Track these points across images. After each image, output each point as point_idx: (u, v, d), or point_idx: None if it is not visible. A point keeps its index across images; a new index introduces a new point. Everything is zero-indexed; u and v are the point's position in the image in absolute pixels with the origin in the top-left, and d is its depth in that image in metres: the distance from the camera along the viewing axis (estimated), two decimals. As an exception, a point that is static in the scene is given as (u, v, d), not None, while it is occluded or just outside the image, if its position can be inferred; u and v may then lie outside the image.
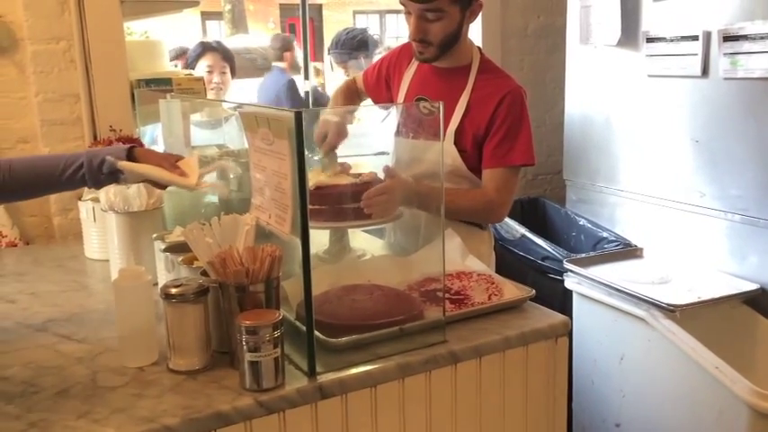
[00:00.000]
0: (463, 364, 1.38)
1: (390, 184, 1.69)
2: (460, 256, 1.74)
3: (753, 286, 2.18)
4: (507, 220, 2.70)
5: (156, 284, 1.54)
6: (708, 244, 2.34)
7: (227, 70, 3.06)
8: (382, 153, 2.04)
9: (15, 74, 2.28)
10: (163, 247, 1.61)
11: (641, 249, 2.55)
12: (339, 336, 1.33)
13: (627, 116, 2.61)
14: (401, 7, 1.83)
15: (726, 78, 2.19)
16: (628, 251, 2.54)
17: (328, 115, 1.85)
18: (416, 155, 1.74)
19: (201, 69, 3.00)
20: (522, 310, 1.55)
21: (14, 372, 1.32)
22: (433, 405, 1.36)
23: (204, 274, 1.33)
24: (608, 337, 2.33)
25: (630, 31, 2.51)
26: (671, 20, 2.37)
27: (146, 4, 2.85)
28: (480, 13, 1.88)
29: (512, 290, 1.59)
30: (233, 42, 7.71)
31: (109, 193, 1.78)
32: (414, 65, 2.00)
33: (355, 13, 16.43)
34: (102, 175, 1.47)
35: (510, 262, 2.60)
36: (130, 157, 1.49)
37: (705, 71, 2.26)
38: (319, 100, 4.42)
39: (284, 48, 4.45)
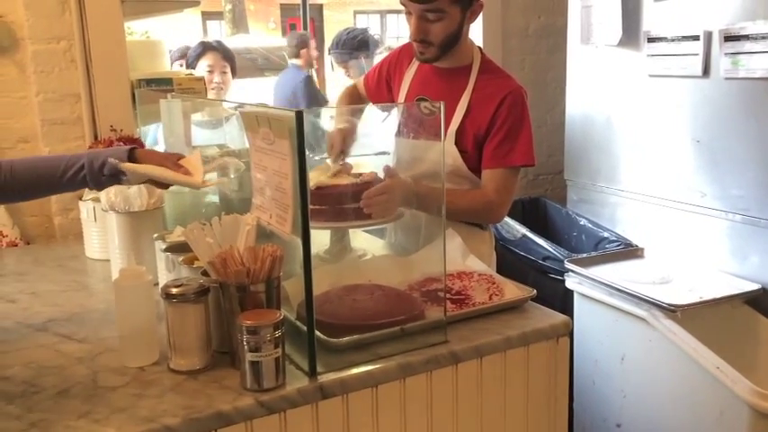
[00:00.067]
0: (464, 364, 1.38)
1: (390, 184, 1.68)
2: (461, 256, 1.74)
3: (754, 286, 2.18)
4: (508, 219, 2.70)
5: (157, 284, 1.53)
6: (709, 244, 2.34)
7: (228, 70, 3.06)
8: (383, 153, 2.04)
9: (16, 73, 2.28)
10: (163, 246, 1.61)
11: (642, 249, 2.55)
12: (340, 336, 1.33)
13: (628, 116, 2.61)
14: (402, 7, 1.83)
15: (727, 78, 2.19)
16: (629, 251, 2.54)
17: (337, 124, 1.85)
18: (417, 155, 1.74)
19: (202, 69, 2.99)
20: (523, 310, 1.55)
21: (15, 372, 1.32)
22: (434, 405, 1.36)
23: (205, 273, 1.32)
24: (609, 338, 2.33)
25: (631, 31, 2.51)
26: (672, 20, 2.37)
27: (146, 4, 2.85)
28: (481, 14, 1.88)
29: (513, 290, 1.59)
30: (233, 42, 7.71)
31: (109, 192, 1.78)
32: (414, 65, 2.00)
33: (356, 12, 16.44)
34: (103, 176, 1.47)
35: (511, 262, 2.60)
36: (132, 158, 1.49)
37: (706, 71, 2.26)
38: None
39: (301, 45, 4.46)
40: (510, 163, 1.86)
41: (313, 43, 4.60)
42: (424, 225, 1.74)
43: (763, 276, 2.18)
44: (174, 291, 1.27)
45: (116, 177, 1.48)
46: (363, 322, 1.37)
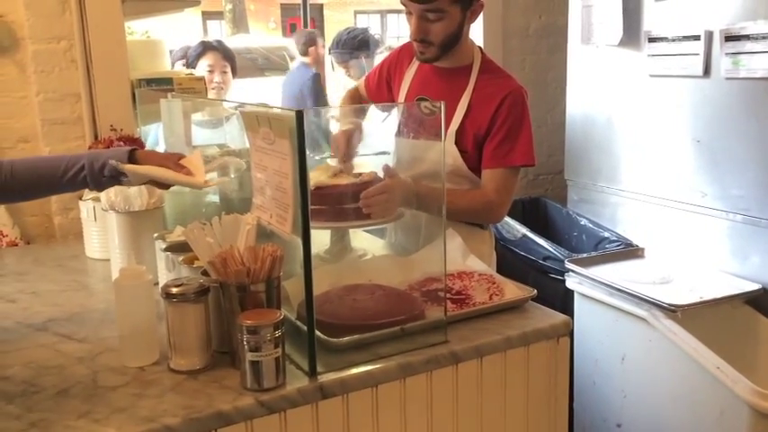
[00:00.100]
0: (464, 364, 1.38)
1: (389, 183, 1.68)
2: (461, 256, 1.74)
3: (754, 286, 2.18)
4: (508, 219, 2.70)
5: (157, 284, 1.53)
6: (709, 244, 2.34)
7: (228, 70, 3.05)
8: (383, 153, 2.04)
9: (16, 73, 2.28)
10: (163, 246, 1.61)
11: (642, 249, 2.55)
12: (340, 335, 1.33)
13: (628, 116, 2.61)
14: (402, 7, 1.82)
15: (727, 78, 2.19)
16: (629, 251, 2.54)
17: (342, 126, 1.85)
18: (417, 155, 1.74)
19: (202, 69, 2.99)
20: (523, 310, 1.55)
21: (15, 371, 1.32)
22: (434, 405, 1.36)
23: (205, 273, 1.32)
24: (609, 338, 2.33)
25: (632, 31, 2.51)
26: (672, 20, 2.37)
27: (147, 4, 2.85)
28: (481, 14, 1.88)
29: (513, 290, 1.59)
30: (234, 42, 7.71)
31: (110, 192, 1.77)
32: (414, 65, 2.00)
33: (356, 12, 16.46)
34: (103, 177, 1.47)
35: (511, 262, 2.60)
36: (132, 159, 1.49)
37: (707, 71, 2.26)
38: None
39: (309, 43, 4.47)
40: (510, 163, 1.86)
41: (321, 41, 4.61)
42: (425, 225, 1.74)
43: (763, 276, 2.18)
44: (175, 290, 1.27)
45: (116, 178, 1.47)
46: (363, 322, 1.37)
